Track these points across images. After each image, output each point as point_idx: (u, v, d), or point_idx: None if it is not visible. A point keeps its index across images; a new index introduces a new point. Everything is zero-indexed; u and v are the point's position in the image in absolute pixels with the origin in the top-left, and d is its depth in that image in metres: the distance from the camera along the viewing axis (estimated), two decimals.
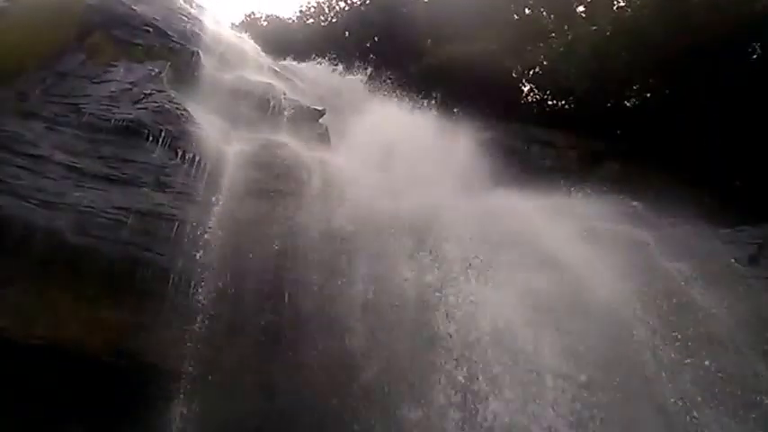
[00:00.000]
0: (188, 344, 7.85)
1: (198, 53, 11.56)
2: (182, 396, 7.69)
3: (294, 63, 15.54)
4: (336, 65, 15.83)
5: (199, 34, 12.22)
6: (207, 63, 11.70)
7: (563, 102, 16.26)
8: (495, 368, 7.70)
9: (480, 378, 7.67)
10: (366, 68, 15.65)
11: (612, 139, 14.17)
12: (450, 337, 7.97)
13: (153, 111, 9.72)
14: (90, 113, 9.46)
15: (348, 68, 15.71)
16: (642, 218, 10.14)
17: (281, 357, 8.11)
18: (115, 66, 10.53)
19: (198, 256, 8.33)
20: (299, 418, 7.73)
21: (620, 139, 14.17)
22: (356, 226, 9.15)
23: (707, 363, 7.86)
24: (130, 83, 10.20)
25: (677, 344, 8.05)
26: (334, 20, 19.67)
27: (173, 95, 10.22)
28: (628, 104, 14.93)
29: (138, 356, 7.84)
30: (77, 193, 8.41)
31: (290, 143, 10.51)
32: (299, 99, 12.12)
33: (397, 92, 14.52)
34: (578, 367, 7.71)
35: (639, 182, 11.59)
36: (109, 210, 8.35)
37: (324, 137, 11.80)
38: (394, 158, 10.85)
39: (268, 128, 10.92)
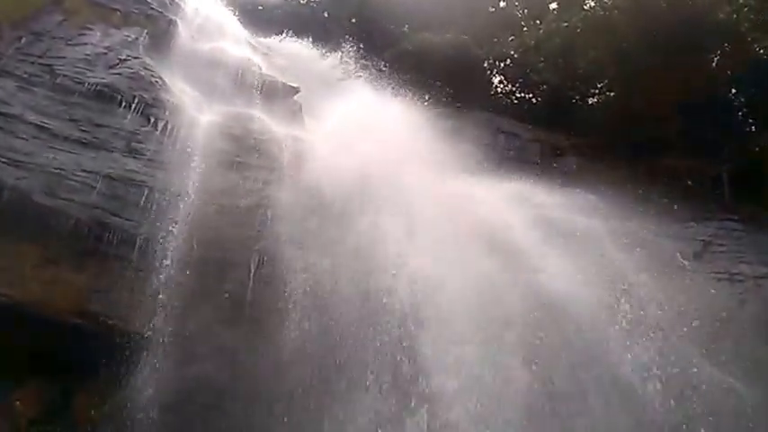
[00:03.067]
0: (151, 308, 7.98)
1: (175, 22, 11.54)
2: (143, 358, 7.81)
3: (272, 39, 15.52)
4: (314, 43, 15.90)
5: (178, 3, 12.16)
6: (184, 33, 11.69)
7: (531, 95, 16.56)
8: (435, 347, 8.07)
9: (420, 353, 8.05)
10: (342, 50, 15.77)
11: (575, 134, 14.46)
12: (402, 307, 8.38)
13: (127, 76, 9.75)
14: (64, 75, 9.46)
15: (325, 48, 15.78)
16: (597, 210, 10.42)
17: (244, 325, 8.29)
18: (91, 29, 10.50)
19: (165, 223, 8.43)
20: (262, 381, 7.92)
21: (581, 135, 14.45)
22: (324, 203, 9.38)
23: (647, 347, 8.36)
24: (106, 47, 10.20)
25: (620, 328, 8.53)
26: None
27: (148, 62, 10.23)
28: (591, 101, 15.28)
29: (101, 318, 7.93)
30: (48, 155, 8.41)
31: (264, 117, 10.56)
32: (274, 75, 12.14)
33: (371, 75, 14.65)
34: (525, 346, 8.11)
35: (597, 177, 11.82)
36: (78, 173, 8.39)
37: (297, 114, 11.85)
38: (363, 140, 10.93)
39: (242, 101, 10.98)
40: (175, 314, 8.07)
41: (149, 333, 7.92)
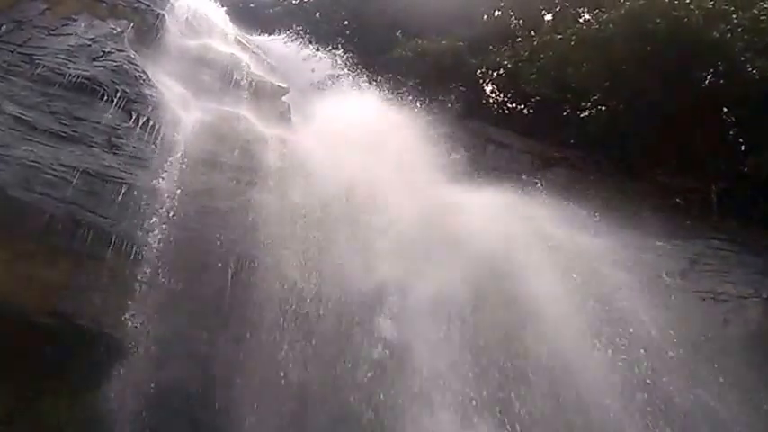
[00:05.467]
0: (124, 309, 7.77)
1: (163, 16, 11.33)
2: (114, 361, 7.65)
3: (262, 37, 15.39)
4: (305, 44, 15.78)
5: None
6: (172, 28, 11.48)
7: (522, 106, 16.43)
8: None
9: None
10: (334, 52, 15.64)
11: (565, 147, 14.42)
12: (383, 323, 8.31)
13: (111, 70, 9.51)
14: (45, 66, 9.19)
15: (317, 50, 15.65)
16: (585, 225, 10.37)
17: (219, 330, 8.16)
18: (75, 20, 10.24)
19: (143, 223, 8.22)
20: (234, 390, 7.78)
21: (572, 148, 14.43)
22: (309, 208, 9.26)
23: (629, 364, 8.31)
24: (90, 39, 9.94)
25: (604, 344, 8.48)
26: None
27: (133, 56, 10.01)
28: (583, 115, 15.17)
29: (72, 319, 7.69)
30: (24, 147, 8.13)
31: (251, 117, 10.40)
32: (263, 74, 12.01)
33: (363, 79, 14.51)
34: (509, 359, 8.09)
35: (586, 190, 11.83)
36: (56, 167, 8.12)
37: (285, 115, 11.71)
38: (351, 144, 10.84)
39: (229, 100, 10.79)
40: (149, 317, 7.87)
41: (121, 335, 7.71)
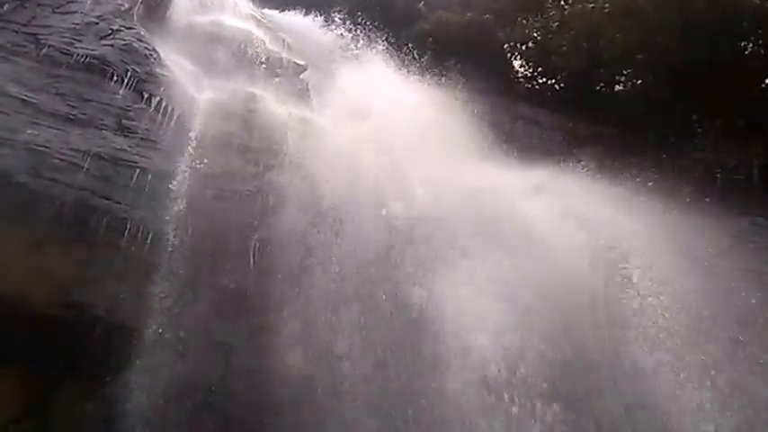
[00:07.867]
0: (141, 299, 7.53)
1: None
2: (132, 353, 7.40)
3: (277, 12, 15.02)
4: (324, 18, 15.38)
5: None
6: (182, 2, 11.23)
7: (553, 80, 16.02)
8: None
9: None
10: (355, 27, 15.20)
11: (599, 123, 13.98)
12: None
13: (119, 48, 9.20)
14: (50, 46, 8.86)
15: (336, 24, 15.24)
16: (620, 204, 9.90)
17: (241, 319, 7.92)
18: None
19: (158, 208, 7.95)
20: (259, 380, 7.54)
21: (606, 124, 13.98)
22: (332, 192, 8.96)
23: (669, 345, 8.02)
24: (97, 16, 9.62)
25: (645, 331, 8.15)
26: None
27: (142, 34, 9.70)
28: (617, 89, 14.82)
29: (87, 309, 7.41)
30: (31, 131, 7.82)
31: (267, 96, 10.11)
32: (280, 51, 11.70)
33: (386, 54, 14.10)
34: (547, 348, 7.66)
35: (621, 168, 11.41)
36: (65, 151, 7.81)
37: (304, 93, 11.36)
38: (375, 123, 10.50)
39: (244, 78, 10.50)
40: (167, 306, 7.65)
41: (138, 326, 7.48)
